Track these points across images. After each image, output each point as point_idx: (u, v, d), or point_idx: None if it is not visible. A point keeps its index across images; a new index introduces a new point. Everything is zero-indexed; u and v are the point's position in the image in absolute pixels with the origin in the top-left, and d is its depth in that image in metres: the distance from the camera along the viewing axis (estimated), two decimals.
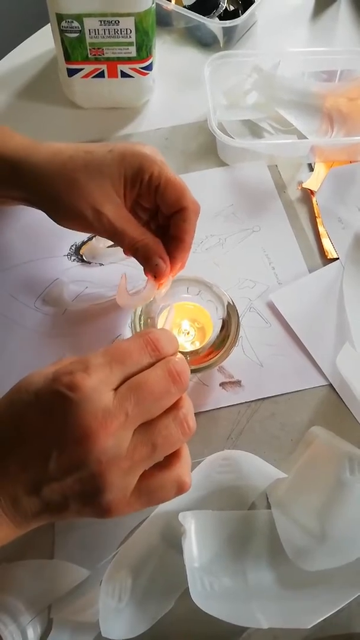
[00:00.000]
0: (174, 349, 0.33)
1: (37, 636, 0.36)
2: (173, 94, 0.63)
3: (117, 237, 0.41)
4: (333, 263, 0.52)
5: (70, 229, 0.43)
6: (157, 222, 0.44)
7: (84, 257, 0.52)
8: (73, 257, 0.52)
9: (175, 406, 0.31)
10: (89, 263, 0.52)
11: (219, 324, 0.45)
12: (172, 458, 0.32)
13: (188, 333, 0.46)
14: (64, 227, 0.43)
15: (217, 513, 0.39)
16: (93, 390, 0.28)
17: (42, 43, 0.65)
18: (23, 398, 0.30)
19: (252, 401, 0.45)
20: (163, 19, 0.66)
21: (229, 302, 0.46)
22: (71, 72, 0.57)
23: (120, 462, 0.29)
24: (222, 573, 0.36)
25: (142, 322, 0.45)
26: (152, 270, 0.42)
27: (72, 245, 0.52)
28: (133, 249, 0.42)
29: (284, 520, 0.38)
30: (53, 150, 0.41)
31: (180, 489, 0.31)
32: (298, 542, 0.36)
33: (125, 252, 0.43)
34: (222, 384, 0.46)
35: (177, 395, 0.31)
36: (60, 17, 0.52)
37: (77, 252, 0.52)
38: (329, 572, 0.35)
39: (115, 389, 0.29)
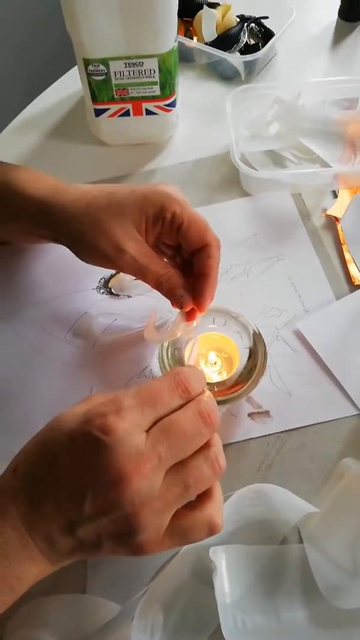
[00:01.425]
0: (202, 388, 0.33)
1: None
2: (196, 128, 0.65)
3: (141, 273, 0.42)
4: None
5: (95, 265, 0.44)
6: (182, 257, 0.45)
7: (113, 290, 0.53)
8: (102, 290, 0.53)
9: (205, 445, 0.31)
10: (117, 295, 0.53)
11: (246, 353, 0.45)
12: (203, 498, 0.32)
13: (215, 364, 0.47)
14: (90, 264, 0.44)
15: (248, 547, 0.38)
16: (126, 433, 0.29)
17: (69, 86, 0.68)
18: (56, 438, 0.30)
19: (282, 432, 0.45)
20: (185, 56, 0.68)
21: (254, 331, 0.46)
22: (98, 112, 0.59)
23: (153, 503, 0.29)
24: (254, 610, 0.36)
25: (169, 354, 0.45)
26: (178, 302, 0.43)
27: (100, 279, 0.53)
28: (157, 284, 0.43)
29: (316, 555, 0.37)
30: (79, 191, 0.43)
31: (212, 530, 0.31)
32: (331, 578, 0.36)
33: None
34: (250, 415, 0.46)
35: (208, 436, 0.31)
36: (87, 62, 0.54)
37: (105, 285, 0.53)
38: None
39: (147, 431, 0.30)
